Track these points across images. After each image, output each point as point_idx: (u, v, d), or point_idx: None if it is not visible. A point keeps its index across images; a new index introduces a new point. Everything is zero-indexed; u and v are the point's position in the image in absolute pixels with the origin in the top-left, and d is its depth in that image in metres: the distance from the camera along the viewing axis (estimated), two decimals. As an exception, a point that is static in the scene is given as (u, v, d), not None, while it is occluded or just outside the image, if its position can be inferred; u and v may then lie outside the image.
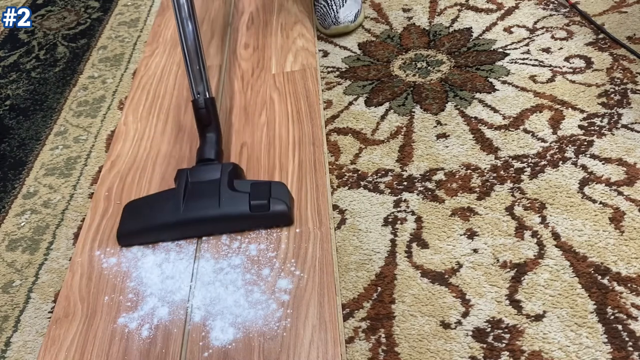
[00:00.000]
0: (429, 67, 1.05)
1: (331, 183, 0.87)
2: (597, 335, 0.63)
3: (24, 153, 1.04)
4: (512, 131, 0.89)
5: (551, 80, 0.97)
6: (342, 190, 0.85)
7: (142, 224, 0.79)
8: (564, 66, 1.00)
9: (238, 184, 0.79)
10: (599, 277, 0.69)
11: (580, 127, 0.88)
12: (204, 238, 0.79)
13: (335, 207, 0.83)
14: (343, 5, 1.16)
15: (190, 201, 0.77)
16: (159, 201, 0.79)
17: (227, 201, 0.76)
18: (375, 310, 0.70)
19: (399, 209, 0.81)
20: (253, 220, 0.77)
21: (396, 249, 0.76)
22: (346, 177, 0.87)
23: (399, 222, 0.79)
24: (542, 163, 0.84)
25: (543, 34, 1.07)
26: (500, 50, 1.05)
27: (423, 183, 0.84)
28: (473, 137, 0.90)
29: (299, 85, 1.04)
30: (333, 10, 1.15)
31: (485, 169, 0.84)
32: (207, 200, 0.77)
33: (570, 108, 0.92)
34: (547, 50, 1.04)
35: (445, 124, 0.93)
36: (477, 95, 0.97)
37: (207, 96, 0.85)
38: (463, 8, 1.18)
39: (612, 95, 0.92)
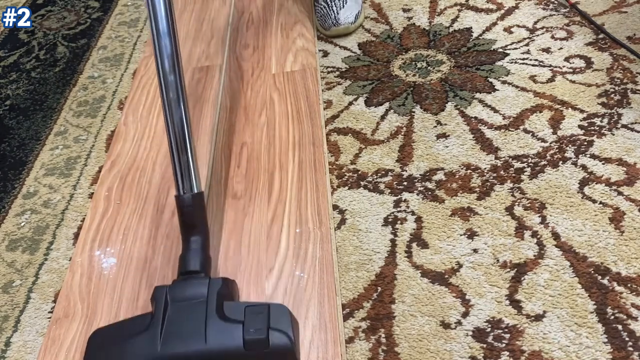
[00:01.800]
0: (429, 67, 1.05)
1: (331, 183, 0.87)
2: (597, 335, 0.63)
3: (24, 153, 1.04)
4: (512, 131, 0.89)
5: (551, 80, 0.97)
6: (342, 190, 0.85)
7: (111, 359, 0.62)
8: (564, 66, 1.00)
9: (229, 308, 0.63)
10: (599, 277, 0.69)
11: (580, 127, 0.88)
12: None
13: (335, 207, 0.83)
14: (343, 6, 1.16)
15: (169, 332, 0.61)
16: (132, 332, 0.63)
17: (215, 333, 0.61)
18: (375, 310, 0.70)
19: (399, 209, 0.81)
20: (246, 356, 0.60)
21: (396, 249, 0.76)
22: (346, 177, 0.87)
23: (399, 222, 0.79)
24: (542, 163, 0.84)
25: (543, 34, 1.07)
26: (500, 50, 1.05)
27: (423, 183, 0.84)
28: (473, 137, 0.90)
29: (299, 85, 1.04)
30: (333, 11, 1.15)
31: (485, 169, 0.84)
32: (191, 330, 0.61)
33: (570, 108, 0.92)
34: (547, 50, 1.04)
35: (445, 124, 0.93)
36: (477, 95, 0.97)
37: (195, 191, 0.71)
38: (463, 8, 1.18)
39: (612, 95, 0.92)
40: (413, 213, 0.80)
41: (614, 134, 0.86)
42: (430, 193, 0.82)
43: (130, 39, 1.31)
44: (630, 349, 0.62)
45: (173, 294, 0.64)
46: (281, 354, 0.61)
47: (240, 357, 0.60)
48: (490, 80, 0.99)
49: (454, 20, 1.15)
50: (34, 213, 0.92)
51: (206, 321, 0.62)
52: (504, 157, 0.86)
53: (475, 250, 0.74)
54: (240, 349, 0.60)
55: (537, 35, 1.07)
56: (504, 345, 0.64)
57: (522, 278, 0.70)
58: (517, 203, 0.79)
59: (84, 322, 0.72)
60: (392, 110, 0.97)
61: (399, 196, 0.83)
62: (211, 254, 0.70)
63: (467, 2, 1.19)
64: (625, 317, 0.65)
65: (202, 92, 1.07)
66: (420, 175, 0.85)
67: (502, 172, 0.83)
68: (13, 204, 0.94)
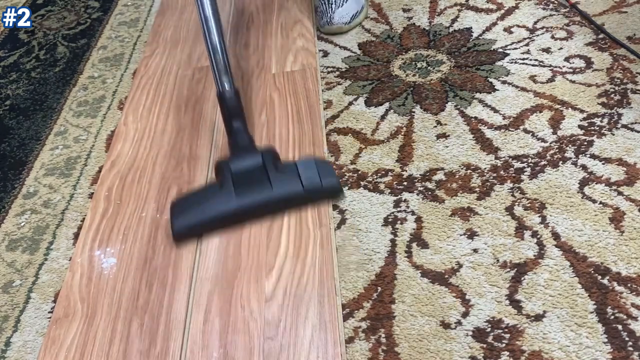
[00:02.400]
0: (429, 67, 1.05)
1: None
2: (597, 335, 0.63)
3: (24, 153, 1.04)
4: (512, 131, 0.89)
5: (551, 80, 0.97)
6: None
7: (198, 218, 0.78)
8: (564, 66, 1.00)
9: (282, 166, 0.81)
10: (599, 277, 0.69)
11: (580, 127, 0.88)
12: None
13: (335, 207, 0.83)
14: (342, 5, 1.16)
15: (241, 189, 0.78)
16: (207, 194, 0.80)
17: (278, 183, 0.78)
18: (375, 310, 0.70)
19: (399, 209, 0.81)
20: (307, 197, 0.80)
21: (396, 249, 0.76)
22: (346, 177, 0.87)
23: (399, 222, 0.79)
24: (542, 163, 0.84)
25: (543, 34, 1.07)
26: (500, 50, 1.05)
27: (423, 183, 0.84)
28: (473, 137, 0.90)
29: (299, 85, 1.04)
30: (331, 9, 1.16)
31: (485, 169, 0.84)
32: (258, 185, 0.78)
33: (570, 108, 0.92)
34: (547, 50, 1.04)
35: (445, 124, 0.93)
36: (477, 95, 0.97)
37: (233, 88, 0.86)
38: (463, 8, 1.18)
39: (612, 95, 0.92)
40: (413, 213, 0.80)
41: (614, 134, 0.86)
42: (430, 193, 0.82)
43: (130, 39, 1.31)
44: (630, 349, 0.62)
45: (235, 165, 0.79)
46: (331, 190, 0.81)
47: (301, 197, 0.79)
48: (490, 80, 0.99)
49: (454, 20, 1.15)
50: (34, 213, 0.92)
51: (269, 177, 0.78)
52: (504, 157, 0.86)
53: (475, 250, 0.74)
54: (300, 191, 0.79)
55: (537, 35, 1.07)
56: (504, 345, 0.64)
57: (522, 278, 0.70)
58: (517, 203, 0.79)
59: (84, 322, 0.72)
60: (392, 110, 0.97)
61: (399, 196, 0.83)
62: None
63: (467, 2, 1.19)
64: (625, 317, 0.65)
65: (202, 92, 1.07)
66: (420, 175, 0.85)
67: (502, 172, 0.83)
68: (13, 204, 0.94)
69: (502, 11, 1.15)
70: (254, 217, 0.80)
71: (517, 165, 0.84)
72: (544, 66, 1.00)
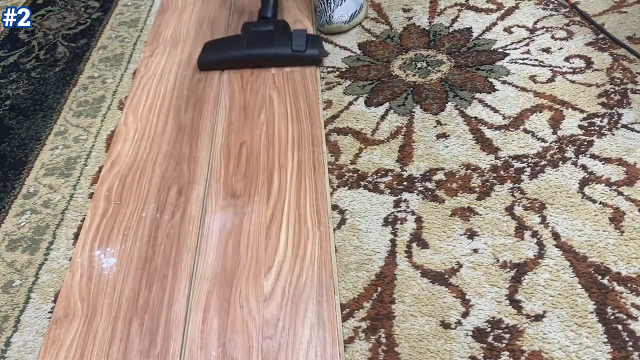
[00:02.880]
0: (429, 67, 1.05)
1: (331, 183, 0.87)
2: (597, 335, 0.63)
3: (24, 153, 1.04)
4: (512, 131, 0.89)
5: (551, 80, 0.97)
6: (342, 190, 0.85)
7: (216, 55, 1.11)
8: (564, 66, 1.00)
9: (285, 34, 1.10)
10: (599, 277, 0.69)
11: (580, 127, 0.88)
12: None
13: (335, 207, 0.83)
14: (341, 4, 1.16)
15: (251, 42, 1.10)
16: (229, 41, 1.14)
17: (275, 44, 1.09)
18: (375, 310, 0.70)
19: (399, 209, 0.81)
20: (293, 59, 1.08)
21: (396, 249, 0.76)
22: (346, 177, 0.87)
23: (399, 222, 0.79)
24: (542, 163, 0.83)
25: (543, 34, 1.07)
26: (500, 50, 1.05)
27: (423, 183, 0.84)
28: (473, 137, 0.90)
29: (298, 85, 1.04)
30: (330, 8, 1.16)
31: (485, 169, 0.84)
32: (262, 43, 1.09)
33: (570, 108, 0.92)
34: (547, 50, 1.04)
35: (445, 124, 0.93)
36: (477, 95, 0.97)
37: None
38: (463, 8, 1.18)
39: (612, 95, 0.92)
40: (413, 213, 0.80)
41: (614, 134, 0.86)
42: (430, 193, 0.82)
43: (130, 39, 1.31)
44: (630, 349, 0.62)
45: (254, 27, 1.12)
46: (312, 57, 1.08)
47: (288, 57, 1.08)
48: (490, 80, 0.99)
49: (454, 20, 1.15)
50: (34, 213, 0.92)
51: (272, 38, 1.10)
52: (504, 157, 0.86)
53: (475, 250, 0.74)
54: (289, 52, 1.08)
55: (537, 35, 1.07)
56: (504, 345, 0.64)
57: (522, 278, 0.70)
58: (517, 203, 0.79)
59: (84, 322, 0.72)
60: (392, 110, 0.97)
61: (399, 196, 0.83)
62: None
63: (467, 2, 1.19)
64: (625, 317, 0.65)
65: (202, 92, 1.07)
66: (420, 175, 0.85)
67: (502, 172, 0.83)
68: (13, 204, 0.94)
69: (502, 11, 1.15)
70: (255, 65, 1.09)
71: (517, 165, 0.84)
72: (544, 66, 1.00)
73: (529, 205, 0.78)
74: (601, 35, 1.04)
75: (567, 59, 1.01)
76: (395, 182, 0.85)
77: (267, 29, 1.11)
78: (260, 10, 1.15)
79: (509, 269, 0.71)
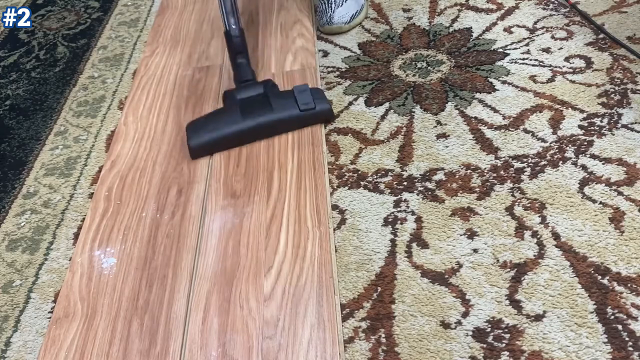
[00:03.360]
0: (429, 67, 1.05)
1: (331, 183, 0.87)
2: (597, 335, 0.63)
3: (24, 153, 1.04)
4: (512, 131, 0.89)
5: (551, 80, 0.97)
6: (342, 190, 0.85)
7: (210, 137, 0.91)
8: (564, 66, 1.00)
9: (281, 93, 0.95)
10: (599, 277, 0.69)
11: (580, 127, 0.88)
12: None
13: (335, 207, 0.83)
14: (342, 5, 1.16)
15: (246, 112, 0.92)
16: (218, 118, 0.93)
17: (278, 107, 0.92)
18: (375, 310, 0.70)
19: (399, 209, 0.81)
20: (304, 119, 0.93)
21: (396, 249, 0.76)
22: (346, 177, 0.87)
23: (399, 222, 0.79)
24: (542, 163, 0.83)
25: (543, 34, 1.07)
26: (500, 50, 1.05)
27: (423, 183, 0.84)
28: (473, 137, 0.90)
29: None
30: (330, 9, 1.16)
31: (485, 169, 0.84)
32: (261, 109, 0.92)
33: (570, 108, 0.92)
34: (547, 50, 1.04)
35: (445, 124, 0.93)
36: (477, 95, 0.97)
37: (239, 27, 0.97)
38: (463, 8, 1.18)
39: (612, 95, 0.92)
40: (413, 213, 0.80)
41: (614, 134, 0.86)
42: (430, 193, 0.82)
43: (130, 39, 1.31)
44: (630, 349, 0.62)
45: (240, 94, 0.94)
46: (324, 112, 0.95)
47: (298, 119, 0.93)
48: (490, 80, 0.99)
49: (454, 20, 1.15)
50: (34, 213, 0.92)
51: (270, 102, 0.93)
52: (504, 157, 0.86)
53: (475, 250, 0.74)
54: (297, 113, 0.93)
55: (537, 35, 1.07)
56: (504, 345, 0.64)
57: (522, 278, 0.70)
58: (517, 203, 0.79)
59: (84, 322, 0.72)
60: (392, 110, 0.97)
61: (399, 196, 0.83)
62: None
63: (467, 2, 1.19)
64: (625, 317, 0.65)
65: (202, 92, 1.07)
66: (420, 175, 0.85)
67: (502, 172, 0.83)
68: (13, 204, 0.94)
69: (502, 11, 1.15)
70: (258, 137, 0.93)
71: (517, 165, 0.84)
72: (544, 66, 1.00)
73: (529, 205, 0.78)
74: (601, 35, 1.04)
75: (567, 59, 1.01)
76: (395, 182, 0.85)
77: (257, 92, 0.94)
78: (237, 74, 0.97)
79: (509, 269, 0.71)
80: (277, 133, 0.93)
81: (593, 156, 0.83)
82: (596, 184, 0.79)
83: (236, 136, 0.92)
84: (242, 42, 0.97)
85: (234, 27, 0.96)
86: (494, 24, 1.12)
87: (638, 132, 0.85)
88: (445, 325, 0.67)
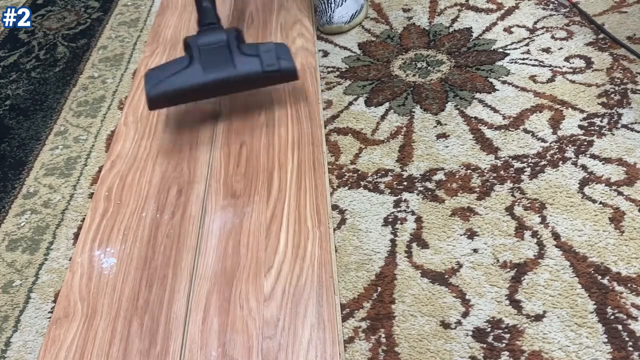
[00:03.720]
0: (429, 67, 1.05)
1: (331, 183, 0.87)
2: (597, 335, 0.63)
3: (24, 153, 1.04)
4: (512, 131, 0.89)
5: (551, 80, 0.97)
6: (342, 190, 0.85)
7: (169, 87, 0.87)
8: (564, 66, 1.00)
9: (245, 47, 0.90)
10: (599, 277, 0.69)
11: (580, 127, 0.88)
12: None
13: (335, 207, 0.83)
14: (341, 4, 1.16)
15: (208, 67, 0.87)
16: (177, 68, 0.89)
17: (240, 65, 0.88)
18: (375, 310, 0.70)
19: (399, 209, 0.81)
20: (266, 79, 0.90)
21: (396, 249, 0.76)
22: (346, 177, 0.87)
23: (399, 222, 0.79)
24: (542, 163, 0.83)
25: (543, 34, 1.07)
26: (500, 50, 1.05)
27: (423, 183, 0.84)
28: (473, 137, 0.90)
29: (298, 85, 1.04)
30: (330, 8, 1.16)
31: (485, 169, 0.84)
32: (223, 65, 0.87)
33: (570, 108, 0.92)
34: (547, 50, 1.04)
35: (445, 124, 0.93)
36: (477, 95, 0.97)
37: None
38: (463, 8, 1.18)
39: (612, 95, 0.92)
40: (413, 213, 0.80)
41: (614, 134, 0.86)
42: (430, 193, 0.82)
43: (130, 39, 1.31)
44: (630, 349, 0.62)
45: (201, 41, 0.88)
46: (287, 72, 0.90)
47: (261, 78, 0.89)
48: (490, 80, 0.99)
49: (454, 20, 1.15)
50: (34, 213, 0.92)
51: (232, 56, 0.87)
52: (504, 157, 0.86)
53: (475, 250, 0.74)
54: (259, 72, 0.88)
55: (537, 35, 1.07)
56: (504, 345, 0.64)
57: (522, 278, 0.70)
58: (517, 203, 0.79)
59: (84, 322, 0.72)
60: (392, 110, 0.97)
61: (399, 196, 0.83)
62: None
63: (467, 2, 1.19)
64: (625, 317, 0.65)
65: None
66: (420, 175, 0.85)
67: (502, 172, 0.83)
68: (13, 204, 0.94)
69: (502, 11, 1.15)
70: (218, 93, 0.92)
71: (517, 165, 0.84)
72: (544, 66, 1.00)
73: (529, 205, 0.78)
74: (601, 35, 1.04)
75: (567, 59, 1.01)
76: (395, 182, 0.85)
77: (219, 40, 0.88)
78: (200, 16, 0.92)
79: (509, 269, 0.71)
80: (238, 91, 0.93)
81: (593, 156, 0.83)
82: (596, 184, 0.79)
83: (195, 90, 0.89)
84: None
85: None
86: (494, 24, 1.12)
87: (638, 132, 0.85)
88: (445, 325, 0.67)
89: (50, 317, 0.75)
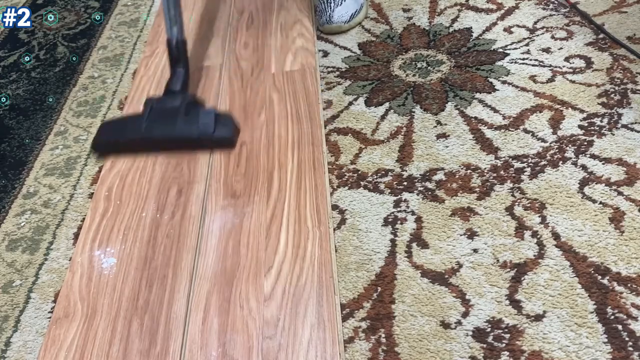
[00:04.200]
0: (429, 67, 1.05)
1: (331, 183, 0.87)
2: (597, 335, 0.63)
3: (24, 153, 1.04)
4: (512, 131, 0.89)
5: (551, 80, 0.97)
6: (342, 190, 0.85)
7: (112, 137, 0.95)
8: (564, 66, 1.00)
9: (193, 112, 0.92)
10: (599, 277, 0.69)
11: (580, 127, 0.88)
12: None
13: (335, 207, 0.83)
14: (341, 4, 1.16)
15: (152, 123, 0.91)
16: (127, 121, 0.96)
17: (181, 125, 0.91)
18: (375, 310, 0.70)
19: (399, 209, 0.81)
20: (200, 143, 0.92)
21: (396, 249, 0.76)
22: (346, 177, 0.87)
23: (399, 222, 0.79)
24: (542, 163, 0.83)
25: (543, 34, 1.07)
26: (500, 50, 1.05)
27: (423, 183, 0.84)
28: (473, 137, 0.90)
29: (298, 85, 1.04)
30: (330, 8, 1.16)
31: (485, 169, 0.84)
32: (165, 124, 0.91)
33: (570, 108, 0.92)
34: (547, 50, 1.04)
35: (445, 124, 0.93)
36: (477, 95, 0.97)
37: (180, 37, 0.97)
38: (463, 8, 1.18)
39: (612, 95, 0.92)
40: (413, 213, 0.80)
41: (614, 134, 0.86)
42: (430, 193, 0.82)
43: (130, 39, 1.31)
44: (630, 349, 0.62)
45: (157, 103, 0.93)
46: (223, 140, 0.92)
47: (195, 141, 0.91)
48: (490, 80, 0.99)
49: (454, 20, 1.15)
50: (34, 213, 0.92)
51: (176, 119, 0.91)
52: (504, 157, 0.86)
53: (475, 250, 0.74)
54: (195, 135, 0.91)
55: (537, 35, 1.07)
56: (504, 345, 0.64)
57: (522, 278, 0.70)
58: (517, 203, 0.79)
59: (84, 322, 0.72)
60: (392, 110, 0.97)
61: (399, 196, 0.83)
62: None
63: (467, 2, 1.19)
64: (625, 317, 0.65)
65: (202, 93, 1.07)
66: (420, 175, 0.85)
67: (502, 172, 0.83)
68: (13, 204, 0.94)
69: (502, 11, 1.15)
70: (158, 149, 0.94)
71: (517, 165, 0.84)
72: (544, 66, 1.00)
73: (529, 205, 0.78)
74: (601, 35, 1.04)
75: (567, 59, 1.01)
76: (395, 182, 0.85)
77: (172, 105, 0.92)
78: (169, 81, 0.97)
79: (509, 269, 0.71)
80: (178, 149, 0.93)
81: (593, 156, 0.83)
82: (596, 184, 0.79)
83: (136, 144, 0.93)
84: (181, 52, 0.97)
85: (176, 36, 0.96)
86: (494, 24, 1.12)
87: (638, 132, 0.85)
88: (445, 325, 0.67)
89: (50, 317, 0.75)
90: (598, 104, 0.91)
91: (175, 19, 0.97)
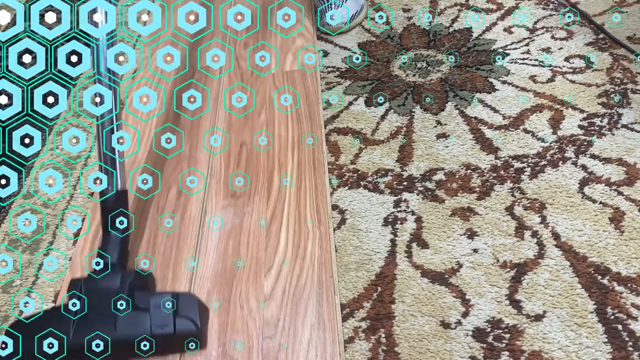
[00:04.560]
0: (429, 67, 1.05)
1: (331, 183, 0.87)
2: (597, 335, 0.63)
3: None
4: (512, 131, 0.89)
5: (551, 80, 0.97)
6: (342, 190, 0.85)
7: (25, 350, 0.64)
8: (564, 66, 1.00)
9: (140, 299, 0.65)
10: (599, 277, 0.69)
11: (580, 127, 0.88)
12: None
13: (335, 207, 0.83)
14: (342, 5, 1.16)
15: (82, 321, 0.64)
16: (47, 322, 0.65)
17: (124, 321, 0.63)
18: (375, 310, 0.70)
19: (399, 209, 0.81)
20: (156, 344, 0.64)
21: (396, 249, 0.76)
22: (346, 177, 0.87)
23: (399, 222, 0.79)
24: (542, 163, 0.83)
25: (543, 34, 1.07)
26: (501, 50, 1.05)
27: (423, 183, 0.84)
28: (473, 137, 0.90)
29: (298, 85, 1.04)
30: (330, 9, 1.16)
31: (485, 169, 0.84)
32: (102, 320, 0.64)
33: (570, 108, 0.92)
34: (547, 50, 1.04)
35: (445, 124, 0.93)
36: (477, 95, 0.97)
37: (119, 188, 0.72)
38: (463, 8, 1.18)
39: (612, 95, 0.92)
40: (413, 213, 0.80)
41: (614, 134, 0.86)
42: (430, 193, 0.82)
43: (130, 39, 1.31)
44: (630, 349, 0.62)
45: (88, 284, 0.66)
46: (186, 336, 0.64)
47: (148, 342, 0.63)
48: (490, 80, 0.99)
49: (454, 20, 1.15)
50: (33, 213, 0.92)
51: (116, 315, 0.64)
52: (504, 157, 0.86)
53: (475, 250, 0.74)
54: (147, 334, 0.63)
55: (537, 35, 1.07)
56: (504, 345, 0.64)
57: (522, 278, 0.70)
58: (517, 203, 0.79)
59: (84, 322, 0.72)
60: (392, 110, 0.97)
61: (399, 196, 0.83)
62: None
63: (467, 2, 1.19)
64: (625, 317, 0.65)
65: (202, 93, 1.07)
66: (420, 175, 0.85)
67: (502, 172, 0.83)
68: (13, 204, 0.94)
69: (502, 11, 1.15)
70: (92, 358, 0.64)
71: (517, 165, 0.84)
72: (544, 66, 1.00)
73: (529, 205, 0.78)
74: (601, 35, 1.04)
75: (567, 59, 1.01)
76: (395, 182, 0.85)
77: (109, 289, 0.65)
78: (101, 247, 0.69)
79: (509, 269, 0.71)
80: (123, 357, 0.65)
81: (593, 156, 0.83)
82: (596, 184, 0.79)
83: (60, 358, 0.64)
84: (119, 203, 0.71)
85: (107, 187, 0.71)
86: (494, 24, 1.12)
87: (638, 132, 0.85)
88: (445, 325, 0.67)
89: (50, 317, 0.75)
90: (598, 104, 0.91)
91: (112, 167, 0.72)
